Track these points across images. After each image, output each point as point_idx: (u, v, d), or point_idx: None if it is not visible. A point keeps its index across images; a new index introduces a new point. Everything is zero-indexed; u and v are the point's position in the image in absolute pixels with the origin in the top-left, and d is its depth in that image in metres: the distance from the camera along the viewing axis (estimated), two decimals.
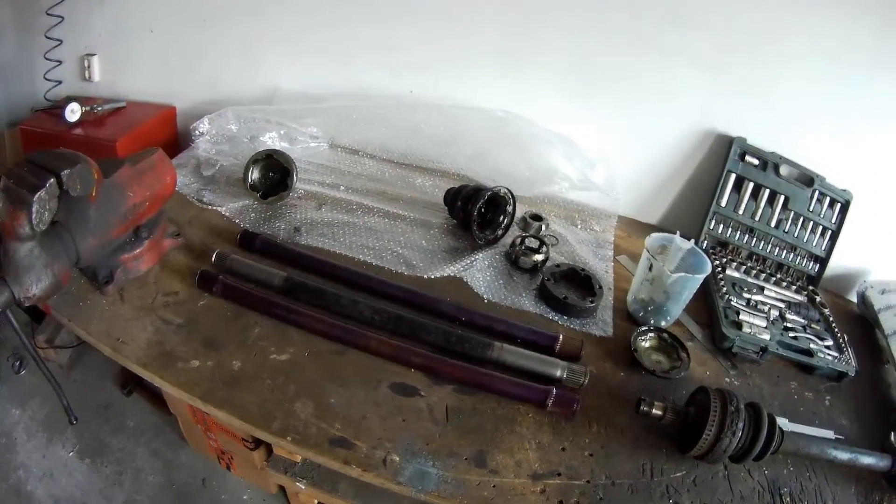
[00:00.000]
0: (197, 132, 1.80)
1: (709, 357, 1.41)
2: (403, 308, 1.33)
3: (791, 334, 1.48)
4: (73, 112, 1.99)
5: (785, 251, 1.73)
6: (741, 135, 1.67)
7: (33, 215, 0.99)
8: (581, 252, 1.63)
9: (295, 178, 1.58)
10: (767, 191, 1.68)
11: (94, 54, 2.23)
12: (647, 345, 1.37)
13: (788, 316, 1.54)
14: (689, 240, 1.42)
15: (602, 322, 1.42)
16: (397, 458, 1.04)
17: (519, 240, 1.55)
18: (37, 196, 0.98)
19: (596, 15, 1.65)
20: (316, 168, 1.78)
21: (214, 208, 1.55)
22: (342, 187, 1.71)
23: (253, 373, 1.16)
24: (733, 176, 1.68)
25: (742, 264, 1.69)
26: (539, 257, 1.51)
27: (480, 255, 1.52)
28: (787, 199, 1.68)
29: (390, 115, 1.85)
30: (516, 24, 1.72)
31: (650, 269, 1.37)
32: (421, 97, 1.86)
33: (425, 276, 1.44)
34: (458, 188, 1.60)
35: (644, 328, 1.37)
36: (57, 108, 2.04)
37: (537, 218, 1.63)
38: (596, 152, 1.80)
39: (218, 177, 1.66)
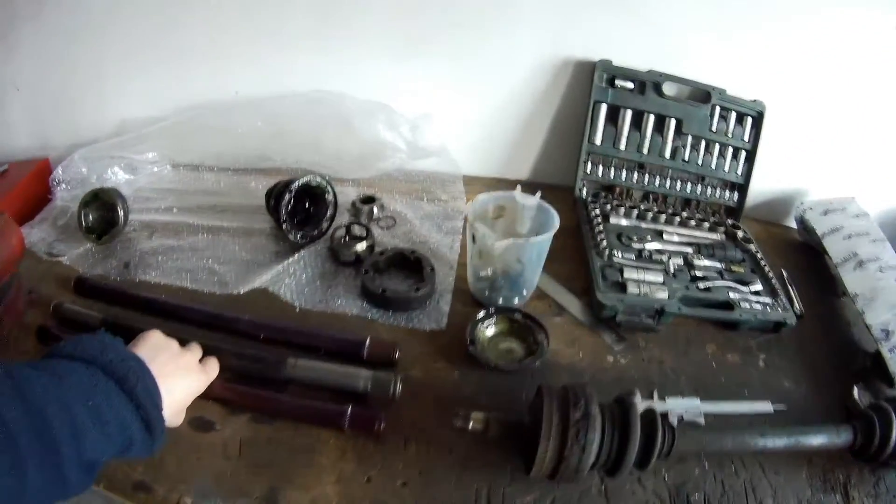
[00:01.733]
0: (55, 182, 1.67)
1: (584, 333, 1.09)
2: (207, 332, 1.08)
3: (701, 285, 1.15)
4: None
5: (689, 184, 1.40)
6: (605, 57, 1.36)
7: None
8: (422, 229, 1.35)
9: (121, 212, 1.41)
10: (651, 116, 1.37)
11: None
12: (491, 332, 1.05)
13: (697, 262, 1.21)
14: (535, 193, 1.12)
15: (436, 312, 1.12)
16: (189, 501, 0.85)
17: (343, 230, 1.27)
18: None
19: None
20: (157, 194, 1.60)
21: (59, 259, 1.39)
22: (175, 209, 1.51)
23: None
24: (604, 106, 1.37)
25: (634, 208, 1.37)
26: (360, 247, 1.22)
27: (296, 256, 1.27)
28: (679, 123, 1.37)
29: (216, 121, 1.64)
30: None
31: (474, 240, 1.07)
32: (246, 95, 1.65)
33: (235, 293, 1.20)
34: (272, 186, 1.34)
35: (484, 312, 1.06)
36: None
37: (368, 200, 1.36)
38: (423, 113, 1.53)
39: (70, 224, 1.51)
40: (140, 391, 0.67)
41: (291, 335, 1.06)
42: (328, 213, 1.31)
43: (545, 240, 1.03)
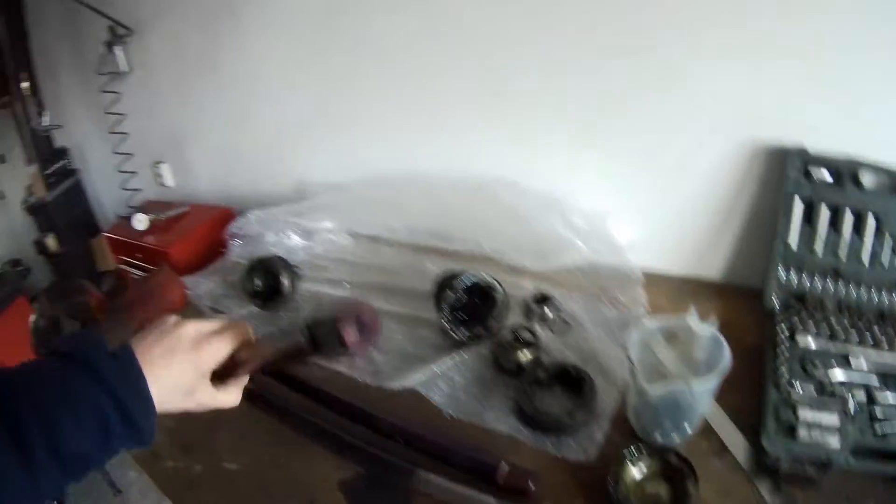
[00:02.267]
0: (230, 237, 1.80)
1: (741, 482, 1.01)
2: (348, 423, 1.16)
3: (879, 426, 1.02)
4: (141, 222, 2.15)
5: (884, 292, 1.22)
6: (799, 141, 1.24)
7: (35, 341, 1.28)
8: (595, 339, 1.29)
9: (285, 282, 1.49)
10: (850, 213, 1.22)
11: (163, 162, 2.41)
12: (640, 473, 1.01)
13: (881, 397, 1.07)
14: (708, 321, 1.04)
15: (587, 441, 1.08)
16: None
17: (510, 333, 1.26)
18: (33, 328, 1.29)
19: (583, 37, 1.37)
20: (332, 263, 1.67)
21: (223, 316, 1.51)
22: (346, 284, 1.57)
23: (208, 479, 1.14)
24: (798, 201, 1.24)
25: (824, 322, 1.21)
26: (524, 355, 1.22)
27: (456, 357, 1.28)
28: (878, 220, 1.21)
29: (394, 196, 1.70)
30: (496, 78, 1.52)
31: (632, 375, 1.03)
32: (428, 172, 1.69)
33: (388, 387, 1.25)
34: (443, 277, 1.36)
35: (634, 449, 1.02)
36: (130, 215, 2.22)
37: (542, 300, 1.34)
38: (604, 209, 1.50)
39: (238, 282, 1.61)
40: (115, 380, 0.65)
41: (429, 444, 1.09)
42: (496, 313, 1.31)
43: (709, 386, 0.98)
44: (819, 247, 1.25)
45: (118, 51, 2.23)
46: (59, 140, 2.50)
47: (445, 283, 1.32)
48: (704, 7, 1.23)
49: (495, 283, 1.30)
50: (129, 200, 2.53)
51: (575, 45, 1.38)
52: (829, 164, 1.23)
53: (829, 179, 1.23)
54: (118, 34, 2.21)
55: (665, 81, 1.32)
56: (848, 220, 1.23)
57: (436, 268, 1.52)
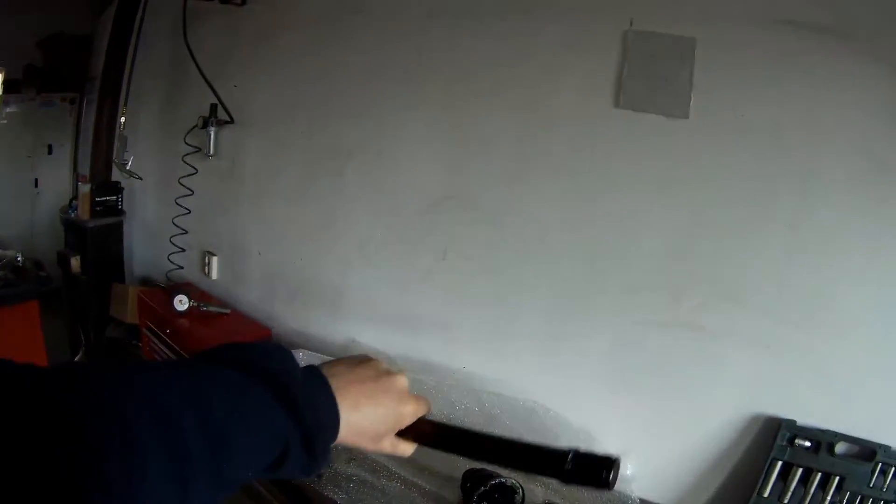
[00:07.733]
0: None
1: None
2: None
3: None
4: (182, 303, 2.23)
5: None
6: (791, 415, 1.50)
7: None
8: None
9: None
10: (819, 474, 1.49)
11: (214, 254, 2.46)
12: None
13: None
14: None
15: None
16: None
17: None
18: None
19: (635, 297, 1.62)
20: None
21: None
22: None
23: None
24: (779, 464, 1.50)
25: None
26: None
27: None
28: (842, 480, 1.47)
29: (434, 391, 1.83)
30: (561, 307, 1.73)
31: None
32: (471, 374, 1.85)
33: None
34: (476, 469, 1.57)
35: None
36: (173, 290, 2.29)
37: None
38: (621, 445, 1.64)
39: None
40: (303, 402, 0.59)
41: None
42: None
43: None
44: (786, 499, 1.51)
45: (211, 132, 2.27)
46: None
47: (476, 479, 1.54)
48: (739, 304, 1.53)
49: (519, 488, 1.51)
50: (169, 272, 2.60)
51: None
52: (811, 436, 1.48)
53: (808, 445, 1.48)
54: (219, 117, 2.25)
55: (700, 355, 1.58)
56: (816, 479, 1.48)
57: (460, 460, 1.62)
